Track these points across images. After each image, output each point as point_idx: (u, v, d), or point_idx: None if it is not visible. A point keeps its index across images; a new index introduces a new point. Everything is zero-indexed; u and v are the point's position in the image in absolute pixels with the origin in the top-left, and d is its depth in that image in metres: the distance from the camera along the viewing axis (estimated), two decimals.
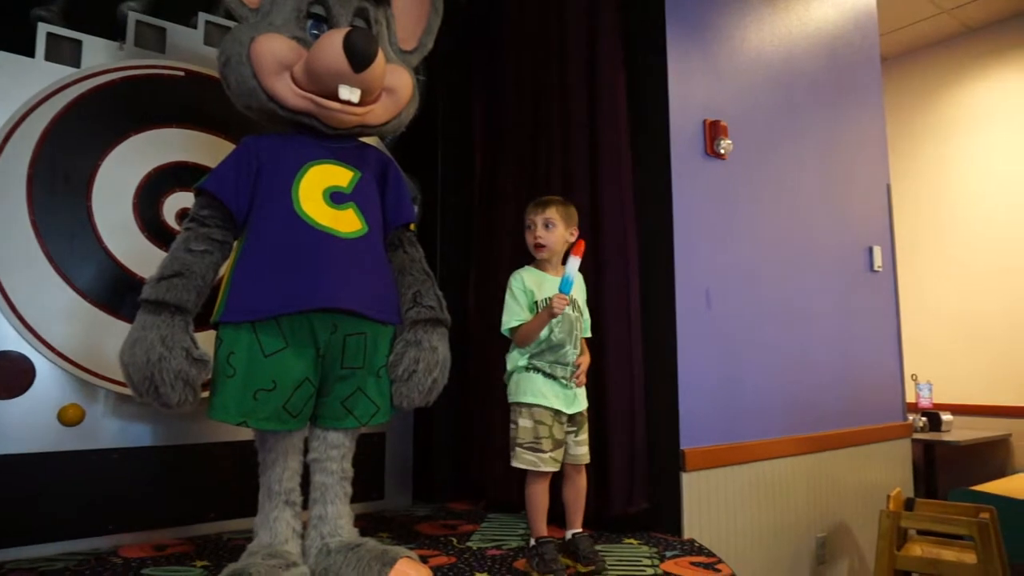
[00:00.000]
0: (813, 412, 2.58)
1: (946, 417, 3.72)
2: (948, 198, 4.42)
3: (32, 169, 1.89)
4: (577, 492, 1.79)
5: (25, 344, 1.86)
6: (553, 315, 1.69)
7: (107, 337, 1.91)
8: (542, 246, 1.79)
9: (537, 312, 1.75)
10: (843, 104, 2.99)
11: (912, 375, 3.87)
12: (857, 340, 2.87)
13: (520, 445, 1.71)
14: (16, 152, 1.88)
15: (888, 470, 2.92)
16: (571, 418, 1.77)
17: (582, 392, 1.82)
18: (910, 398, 3.51)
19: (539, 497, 1.72)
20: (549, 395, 1.73)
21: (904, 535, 2.41)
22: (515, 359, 1.77)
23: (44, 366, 1.89)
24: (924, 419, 3.72)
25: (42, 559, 1.79)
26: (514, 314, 1.76)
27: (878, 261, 3.02)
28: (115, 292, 1.96)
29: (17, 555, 1.80)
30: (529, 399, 1.72)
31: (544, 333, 1.73)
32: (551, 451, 1.70)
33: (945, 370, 4.19)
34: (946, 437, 3.56)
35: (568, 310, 1.76)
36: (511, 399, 1.77)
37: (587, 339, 1.90)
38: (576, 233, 1.84)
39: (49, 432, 1.89)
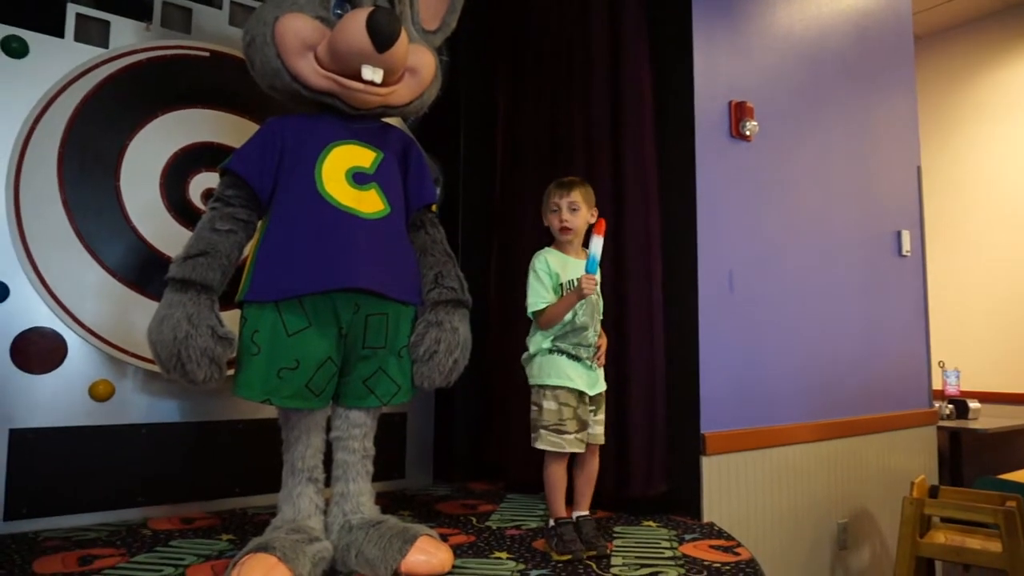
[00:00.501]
0: (836, 398, 2.55)
1: (973, 405, 3.66)
2: (980, 182, 4.31)
3: (63, 149, 1.92)
4: (589, 474, 1.78)
5: (57, 321, 1.91)
6: (582, 296, 1.68)
7: (136, 315, 1.94)
8: (568, 229, 1.77)
9: (562, 294, 1.74)
10: (874, 85, 2.92)
11: (939, 362, 3.81)
12: (883, 326, 2.83)
13: (545, 427, 1.70)
14: (47, 132, 1.91)
15: (912, 457, 2.89)
16: (592, 398, 1.77)
17: (602, 373, 1.81)
18: (937, 385, 3.46)
19: (559, 478, 1.72)
20: (575, 376, 1.72)
21: (928, 523, 2.39)
22: (538, 341, 1.76)
23: (75, 342, 1.94)
24: (951, 406, 3.67)
25: (76, 529, 1.85)
26: (540, 296, 1.74)
27: (907, 246, 2.97)
28: (143, 271, 2.00)
29: (52, 524, 1.86)
30: (555, 381, 1.71)
31: (568, 316, 1.72)
32: (575, 432, 1.70)
33: (974, 357, 4.12)
34: (973, 425, 3.50)
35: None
36: (534, 381, 1.76)
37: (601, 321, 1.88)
38: (596, 213, 1.82)
39: (80, 407, 1.94)
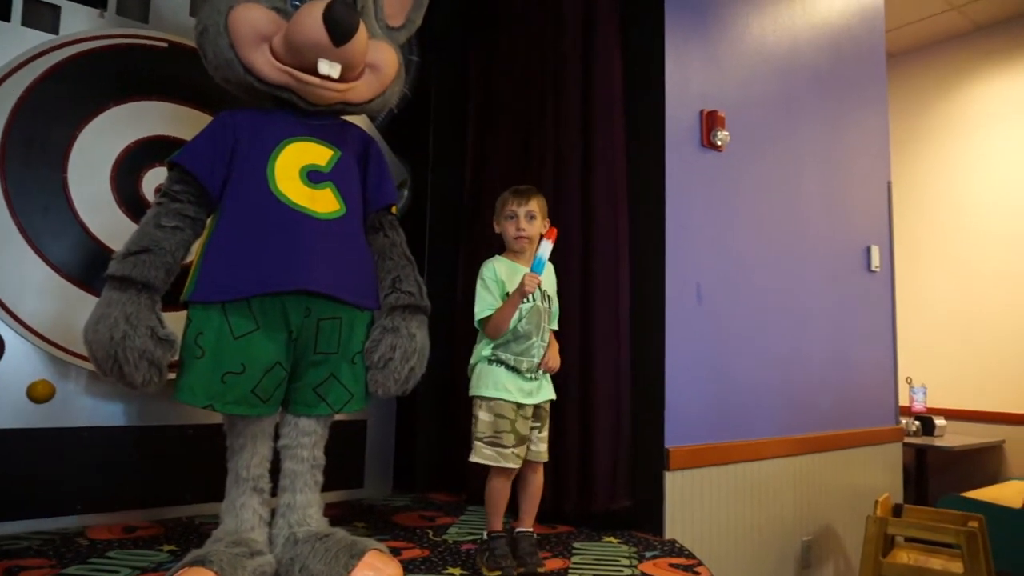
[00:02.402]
0: (803, 413, 2.53)
1: (939, 422, 3.68)
2: (951, 199, 4.36)
3: (5, 138, 1.83)
4: (533, 491, 1.72)
5: None
6: (524, 294, 1.63)
7: (81, 313, 1.80)
8: (524, 238, 1.73)
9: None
10: (846, 99, 2.93)
11: (907, 378, 3.84)
12: (851, 341, 2.83)
13: (480, 439, 1.65)
14: None
15: (878, 474, 2.88)
16: (534, 412, 1.71)
17: (547, 383, 1.76)
18: (904, 401, 3.47)
19: (499, 493, 1.66)
20: (512, 388, 1.66)
21: (891, 541, 2.38)
22: (479, 350, 1.72)
23: (14, 340, 1.85)
24: (917, 423, 3.69)
25: (7, 537, 1.75)
26: (486, 304, 1.69)
27: (876, 261, 2.97)
28: (90, 268, 1.91)
29: None
30: (490, 392, 1.66)
31: (512, 322, 1.67)
32: (513, 447, 1.64)
33: (940, 374, 4.15)
34: (939, 442, 3.52)
35: (537, 301, 1.71)
36: (471, 391, 1.70)
37: (555, 332, 1.82)
38: (548, 224, 1.79)
39: (18, 408, 1.85)
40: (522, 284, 1.62)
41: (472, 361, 1.73)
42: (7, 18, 1.89)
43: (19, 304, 1.83)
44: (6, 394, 1.83)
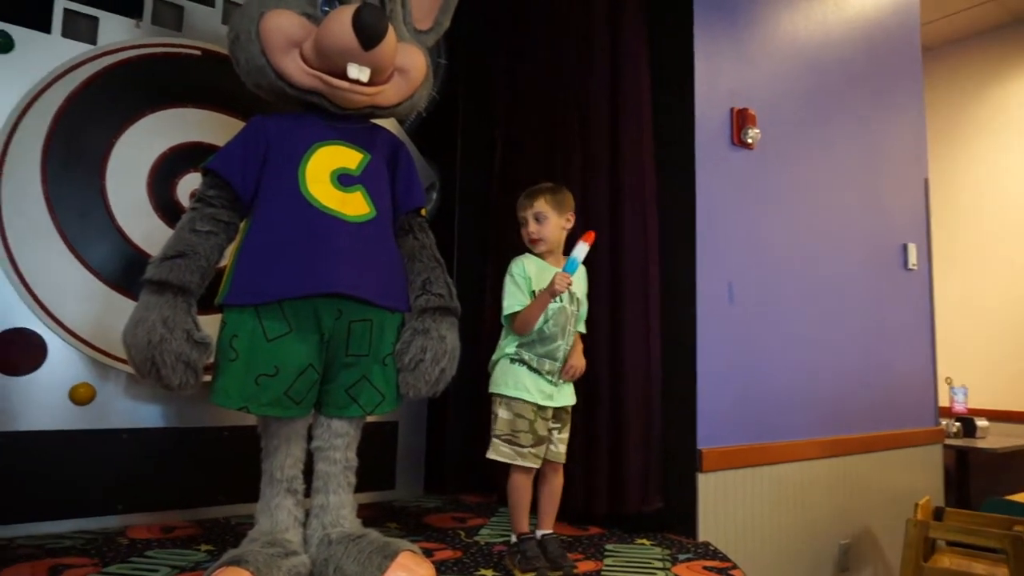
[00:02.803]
0: (839, 414, 2.48)
1: (981, 423, 3.57)
2: (990, 196, 4.24)
3: (47, 145, 1.88)
4: (552, 492, 1.72)
5: (37, 322, 1.87)
6: (554, 294, 1.63)
7: (119, 317, 1.83)
8: (537, 240, 1.72)
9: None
10: (880, 94, 2.87)
11: (947, 379, 3.74)
12: (888, 341, 2.76)
13: (498, 436, 1.64)
14: (32, 128, 1.87)
15: (917, 477, 2.81)
16: (555, 414, 1.70)
17: (569, 387, 1.75)
18: (943, 402, 3.38)
19: (521, 492, 1.66)
20: (532, 389, 1.66)
21: (932, 545, 2.32)
22: (503, 347, 1.71)
23: (56, 344, 1.89)
24: (958, 424, 3.58)
25: (51, 536, 1.80)
26: (516, 299, 1.69)
27: (913, 259, 2.90)
28: (128, 272, 1.95)
29: (27, 531, 1.81)
30: (510, 391, 1.66)
31: (539, 322, 1.67)
32: (531, 446, 1.63)
33: (982, 374, 4.03)
34: (981, 444, 3.41)
35: (566, 303, 1.70)
36: (491, 388, 1.71)
37: (582, 335, 1.81)
38: (572, 219, 1.77)
39: (60, 410, 1.89)
40: (552, 284, 1.61)
41: (495, 357, 1.73)
42: (48, 30, 1.94)
43: (61, 309, 1.87)
44: (49, 397, 1.88)
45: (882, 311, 2.75)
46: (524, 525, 1.67)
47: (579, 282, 1.78)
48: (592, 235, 1.68)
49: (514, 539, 1.67)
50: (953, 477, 3.34)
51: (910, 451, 2.78)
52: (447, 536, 1.94)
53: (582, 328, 1.80)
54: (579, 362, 1.74)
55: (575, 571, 1.61)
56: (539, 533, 1.69)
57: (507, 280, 1.72)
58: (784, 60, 2.43)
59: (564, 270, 1.63)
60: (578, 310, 1.76)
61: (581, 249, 1.65)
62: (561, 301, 1.69)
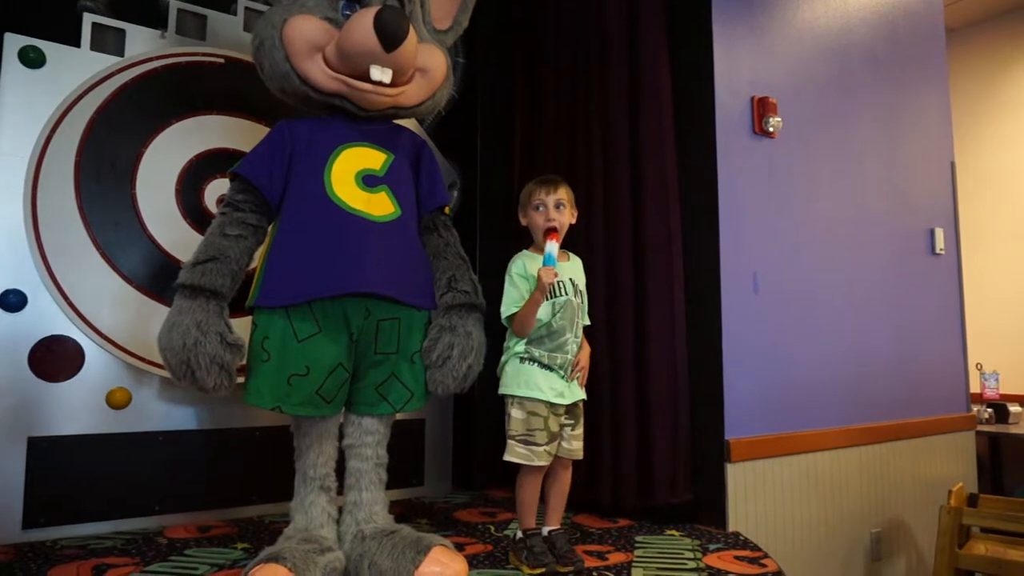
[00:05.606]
0: (868, 402, 2.46)
1: (1014, 408, 3.52)
2: (1018, 177, 4.16)
3: (79, 157, 1.93)
4: (561, 488, 1.71)
5: (75, 329, 1.91)
6: (543, 290, 1.58)
7: (153, 322, 1.92)
8: (555, 227, 1.66)
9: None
10: (904, 78, 2.83)
11: (977, 364, 3.67)
12: (917, 327, 2.73)
13: (513, 437, 1.62)
14: (64, 141, 1.92)
15: (950, 464, 2.78)
16: (568, 410, 1.68)
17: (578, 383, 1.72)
18: (975, 388, 3.33)
19: (531, 491, 1.66)
20: (544, 387, 1.62)
21: (967, 532, 2.29)
22: (511, 347, 1.68)
23: (93, 350, 1.94)
24: (989, 410, 3.53)
25: (93, 537, 1.85)
26: (513, 301, 1.66)
27: (940, 244, 2.87)
28: (159, 278, 2.00)
29: (70, 532, 1.86)
30: (523, 391, 1.62)
31: (545, 317, 1.63)
32: (545, 444, 1.62)
33: (1014, 360, 3.96)
34: (1014, 430, 3.36)
35: (571, 296, 1.67)
36: (503, 390, 1.67)
37: (586, 328, 1.77)
38: (576, 214, 1.75)
39: (98, 415, 1.94)
40: (539, 280, 1.57)
41: (503, 359, 1.70)
42: (77, 44, 1.98)
43: (97, 316, 1.92)
44: (87, 401, 1.93)
45: (910, 296, 2.72)
46: (531, 522, 1.67)
47: (578, 273, 1.75)
48: (556, 235, 1.64)
49: (519, 534, 1.67)
50: (986, 464, 3.29)
51: (942, 438, 2.75)
52: (477, 531, 1.96)
53: (587, 320, 1.76)
54: (587, 362, 1.72)
55: (584, 567, 1.61)
56: (546, 529, 1.69)
57: (506, 281, 1.68)
58: (804, 47, 2.41)
59: (544, 263, 1.59)
60: (583, 302, 1.74)
61: (552, 246, 1.61)
62: (567, 294, 1.66)
